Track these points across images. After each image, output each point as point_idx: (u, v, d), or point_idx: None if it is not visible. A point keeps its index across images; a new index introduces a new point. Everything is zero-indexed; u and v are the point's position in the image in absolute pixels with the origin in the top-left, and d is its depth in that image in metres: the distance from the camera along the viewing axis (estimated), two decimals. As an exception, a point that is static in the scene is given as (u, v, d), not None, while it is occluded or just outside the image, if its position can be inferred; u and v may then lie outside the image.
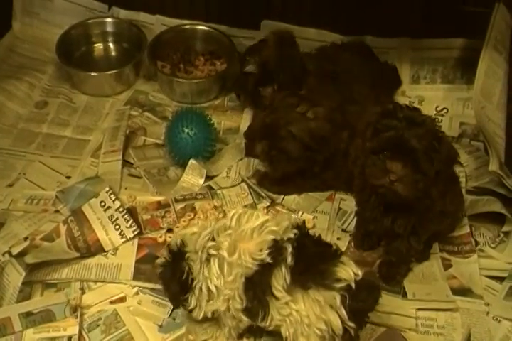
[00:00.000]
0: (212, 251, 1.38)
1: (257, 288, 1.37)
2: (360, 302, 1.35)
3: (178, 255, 1.43)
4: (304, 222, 1.49)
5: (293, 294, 1.37)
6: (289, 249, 1.35)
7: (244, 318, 1.42)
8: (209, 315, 1.44)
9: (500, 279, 1.74)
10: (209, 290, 1.40)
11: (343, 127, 1.81)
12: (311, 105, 1.80)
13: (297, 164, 1.85)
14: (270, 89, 2.02)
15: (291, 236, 1.39)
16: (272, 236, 1.37)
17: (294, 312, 1.38)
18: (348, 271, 1.36)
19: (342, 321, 1.34)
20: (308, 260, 1.37)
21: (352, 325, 1.34)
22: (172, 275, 1.43)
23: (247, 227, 1.40)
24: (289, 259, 1.34)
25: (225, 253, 1.37)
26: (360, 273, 1.37)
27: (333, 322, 1.34)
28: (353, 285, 1.34)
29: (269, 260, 1.34)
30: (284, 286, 1.35)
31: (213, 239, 1.39)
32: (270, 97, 1.97)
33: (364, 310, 1.38)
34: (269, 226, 1.40)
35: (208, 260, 1.39)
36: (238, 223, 1.42)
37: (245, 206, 1.91)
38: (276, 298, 1.37)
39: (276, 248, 1.36)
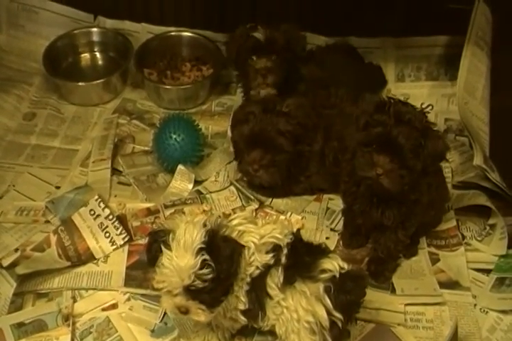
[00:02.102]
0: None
1: (257, 288, 1.40)
2: (347, 294, 1.36)
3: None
4: (298, 230, 1.59)
5: (284, 291, 1.39)
6: (284, 251, 1.40)
7: (243, 319, 1.44)
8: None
9: (487, 271, 1.76)
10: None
11: (317, 128, 1.85)
12: (281, 101, 1.83)
13: (289, 163, 1.84)
14: (263, 62, 1.99)
15: (288, 241, 1.42)
16: (275, 241, 1.41)
17: (285, 310, 1.40)
18: (333, 263, 1.38)
19: (328, 312, 1.35)
20: (296, 257, 1.40)
21: (339, 316, 1.35)
22: None
23: (262, 231, 1.44)
24: (283, 259, 1.39)
25: (252, 245, 1.40)
26: (346, 266, 1.38)
27: (319, 312, 1.36)
28: (337, 275, 1.36)
29: (272, 262, 1.39)
30: (278, 284, 1.38)
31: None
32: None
33: (351, 302, 1.38)
34: (273, 232, 1.43)
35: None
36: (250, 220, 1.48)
37: (234, 209, 1.93)
38: (270, 297, 1.40)
39: (277, 251, 1.40)
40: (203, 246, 1.31)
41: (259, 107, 1.81)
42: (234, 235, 1.40)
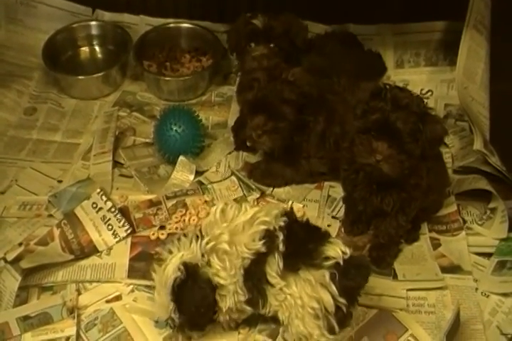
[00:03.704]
0: (219, 246, 1.41)
1: (254, 277, 1.40)
2: (350, 280, 1.37)
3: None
4: (291, 208, 1.53)
5: (286, 279, 1.40)
6: (281, 237, 1.39)
7: (248, 308, 1.46)
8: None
9: (488, 255, 1.77)
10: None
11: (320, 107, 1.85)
12: (288, 69, 1.82)
13: (292, 132, 1.84)
14: (260, 49, 2.00)
15: (282, 224, 1.42)
16: (264, 227, 1.41)
17: (289, 297, 1.41)
18: (336, 250, 1.38)
19: (333, 298, 1.36)
20: (298, 243, 1.40)
21: (343, 301, 1.37)
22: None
23: (240, 221, 1.43)
24: (281, 246, 1.38)
25: (225, 246, 1.39)
26: (348, 251, 1.39)
27: (325, 299, 1.36)
28: (342, 262, 1.36)
29: (264, 249, 1.38)
30: (278, 272, 1.38)
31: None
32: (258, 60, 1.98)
33: (354, 287, 1.40)
34: (260, 217, 1.43)
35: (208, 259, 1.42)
36: (224, 217, 1.45)
37: (235, 199, 1.93)
38: (272, 285, 1.40)
39: (269, 237, 1.39)
40: (172, 292, 1.38)
41: (264, 74, 1.80)
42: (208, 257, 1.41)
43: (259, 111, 1.80)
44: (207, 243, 1.41)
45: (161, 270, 1.41)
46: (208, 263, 1.41)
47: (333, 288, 1.35)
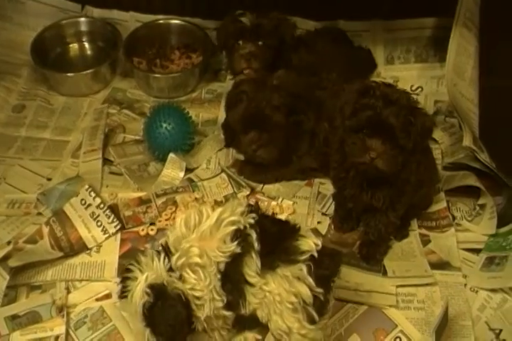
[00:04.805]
0: (190, 261, 1.37)
1: (232, 279, 1.37)
2: (325, 269, 1.37)
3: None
4: (256, 203, 1.54)
5: (264, 276, 1.38)
6: (254, 235, 1.36)
7: (227, 313, 1.42)
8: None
9: (477, 251, 1.78)
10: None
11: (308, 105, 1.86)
12: (271, 75, 1.85)
13: (286, 136, 1.84)
14: (249, 47, 2.01)
15: (251, 221, 1.39)
16: (234, 227, 1.37)
17: (268, 294, 1.39)
18: (309, 243, 1.37)
19: (310, 289, 1.35)
20: (272, 241, 1.38)
21: (320, 290, 1.36)
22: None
23: (206, 227, 1.38)
24: (256, 245, 1.36)
25: (196, 259, 1.36)
26: (319, 242, 1.38)
27: (302, 292, 1.35)
28: (316, 254, 1.36)
29: (239, 250, 1.35)
30: (257, 271, 1.36)
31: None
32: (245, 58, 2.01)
33: (330, 275, 1.40)
34: (225, 218, 1.39)
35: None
36: (188, 227, 1.41)
37: (225, 196, 1.93)
38: (251, 285, 1.38)
39: (241, 236, 1.37)
40: (144, 318, 1.35)
41: (250, 85, 1.81)
42: (188, 274, 1.37)
43: (251, 126, 1.81)
44: (177, 259, 1.37)
45: (127, 301, 1.38)
46: (182, 279, 1.37)
47: (310, 279, 1.35)
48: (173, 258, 1.37)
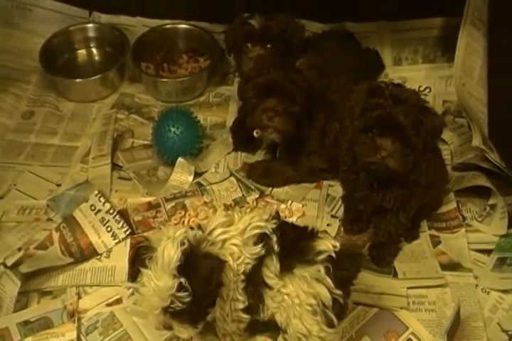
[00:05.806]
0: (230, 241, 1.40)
1: (254, 282, 1.40)
2: (345, 270, 1.38)
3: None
4: (277, 211, 1.54)
5: (282, 279, 1.39)
6: (274, 238, 1.40)
7: (246, 317, 1.44)
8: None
9: (488, 252, 1.77)
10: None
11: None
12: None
13: (301, 120, 1.83)
14: (257, 50, 2.01)
15: (274, 226, 1.42)
16: (260, 231, 1.41)
17: (286, 297, 1.40)
18: (327, 243, 1.39)
19: (329, 291, 1.36)
20: (290, 243, 1.41)
21: (339, 292, 1.37)
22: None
23: (240, 227, 1.42)
24: (276, 247, 1.39)
25: (237, 242, 1.39)
26: (337, 244, 1.39)
27: (322, 293, 1.36)
28: (334, 255, 1.37)
29: (263, 252, 1.38)
30: (276, 273, 1.38)
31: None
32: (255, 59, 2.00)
33: (349, 277, 1.41)
34: (253, 222, 1.43)
35: None
36: (228, 221, 1.44)
37: (234, 200, 1.93)
38: (270, 287, 1.40)
39: (265, 240, 1.40)
40: (179, 267, 1.29)
41: (271, 64, 1.82)
42: (217, 247, 1.38)
43: (269, 94, 1.79)
44: (220, 234, 1.39)
45: (159, 251, 1.32)
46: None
47: (329, 281, 1.36)
48: (216, 231, 1.39)
